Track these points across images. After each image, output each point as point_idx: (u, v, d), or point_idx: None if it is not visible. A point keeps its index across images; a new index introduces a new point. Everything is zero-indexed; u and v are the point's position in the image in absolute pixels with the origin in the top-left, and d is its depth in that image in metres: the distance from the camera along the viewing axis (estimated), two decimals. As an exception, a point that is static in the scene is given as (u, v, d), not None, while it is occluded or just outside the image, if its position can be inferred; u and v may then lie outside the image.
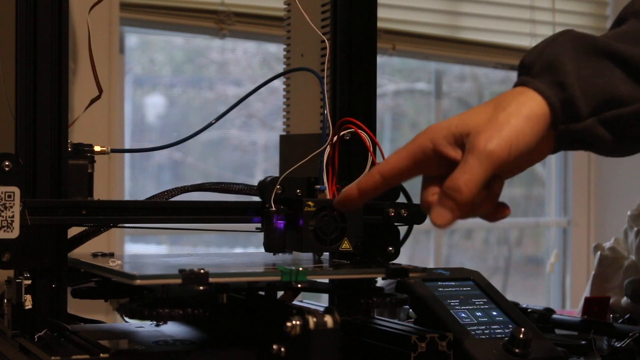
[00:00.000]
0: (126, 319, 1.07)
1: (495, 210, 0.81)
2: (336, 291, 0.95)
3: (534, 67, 0.80)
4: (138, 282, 0.76)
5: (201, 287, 0.76)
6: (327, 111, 0.95)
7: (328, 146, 0.95)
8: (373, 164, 0.96)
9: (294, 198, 0.93)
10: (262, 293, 0.89)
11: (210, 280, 0.76)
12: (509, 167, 0.79)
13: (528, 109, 0.78)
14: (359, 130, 0.95)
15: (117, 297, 0.95)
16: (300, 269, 0.81)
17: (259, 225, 0.95)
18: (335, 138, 0.95)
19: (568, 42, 0.81)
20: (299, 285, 0.83)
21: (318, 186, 0.95)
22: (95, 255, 0.97)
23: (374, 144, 0.97)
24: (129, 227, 0.97)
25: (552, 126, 0.79)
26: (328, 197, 0.94)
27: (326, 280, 0.97)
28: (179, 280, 0.76)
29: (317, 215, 0.92)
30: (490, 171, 0.76)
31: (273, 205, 0.92)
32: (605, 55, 0.79)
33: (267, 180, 0.94)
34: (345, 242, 0.93)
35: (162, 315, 0.78)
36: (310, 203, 0.91)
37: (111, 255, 0.98)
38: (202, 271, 0.76)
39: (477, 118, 0.78)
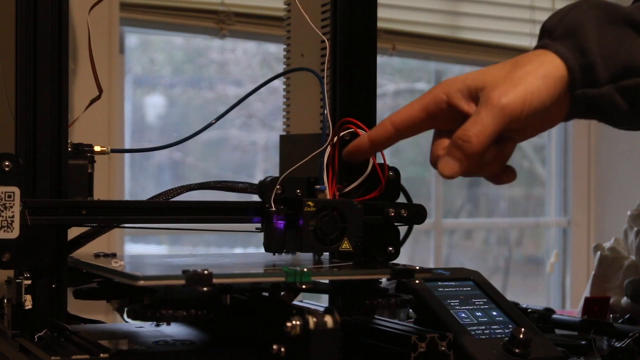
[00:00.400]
0: (126, 318, 1.07)
1: (501, 173, 0.81)
2: (340, 292, 0.94)
3: (555, 31, 0.80)
4: (141, 283, 0.75)
5: (205, 288, 0.75)
6: (327, 111, 0.95)
7: (328, 146, 0.95)
8: (373, 165, 0.96)
9: (294, 198, 0.93)
10: (266, 294, 0.89)
11: (214, 281, 0.76)
12: (521, 126, 0.78)
13: (545, 69, 0.78)
14: (359, 130, 0.95)
15: (119, 297, 0.94)
16: (305, 269, 0.81)
17: (259, 225, 0.95)
18: (335, 138, 0.95)
19: (591, 9, 0.80)
20: (304, 286, 0.82)
21: (318, 186, 0.95)
22: (97, 255, 0.97)
23: None
24: (128, 227, 0.97)
25: (569, 90, 0.79)
26: (328, 197, 0.94)
27: (326, 281, 0.97)
28: (182, 281, 0.75)
29: (317, 215, 0.92)
30: (502, 125, 0.76)
31: (273, 205, 0.92)
32: (627, 24, 0.79)
33: (267, 180, 0.94)
34: (345, 242, 0.93)
35: (165, 316, 0.78)
36: (310, 203, 0.91)
37: (113, 255, 0.98)
38: (205, 272, 0.75)
39: (494, 74, 0.78)
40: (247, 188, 1.01)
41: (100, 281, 0.95)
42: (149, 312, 0.78)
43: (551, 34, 0.81)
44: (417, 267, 0.86)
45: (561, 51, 0.79)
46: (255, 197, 0.97)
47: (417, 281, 0.90)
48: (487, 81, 0.78)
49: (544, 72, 0.78)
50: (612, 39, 0.79)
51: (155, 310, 0.78)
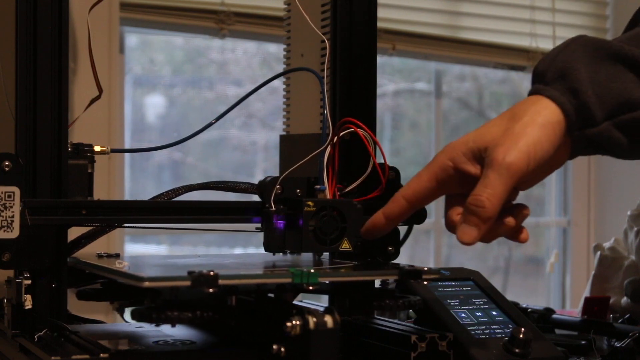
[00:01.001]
0: (126, 318, 1.07)
1: (516, 226, 0.82)
2: (347, 293, 0.93)
3: (547, 74, 0.81)
4: (146, 284, 0.74)
5: (211, 290, 0.75)
6: (327, 111, 0.95)
7: (328, 146, 0.95)
8: (374, 165, 0.96)
9: (293, 198, 0.93)
10: (271, 295, 0.87)
11: (220, 282, 0.75)
12: (529, 178, 0.79)
13: (543, 118, 0.78)
14: (359, 130, 0.95)
15: (123, 299, 0.94)
16: (312, 270, 0.80)
17: (259, 225, 0.95)
18: (335, 138, 0.95)
19: (580, 48, 0.81)
20: (311, 288, 0.81)
21: (318, 186, 0.95)
22: (100, 256, 0.96)
23: (374, 143, 0.97)
24: (128, 227, 0.97)
25: (568, 132, 0.79)
26: (328, 197, 0.94)
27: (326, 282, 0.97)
28: (188, 283, 0.74)
29: (317, 215, 0.92)
30: (511, 183, 0.77)
31: (273, 205, 0.92)
32: (618, 59, 0.80)
33: (266, 180, 0.94)
34: (345, 242, 0.93)
35: (171, 318, 0.76)
36: (310, 203, 0.91)
37: (117, 256, 0.97)
38: (211, 273, 0.75)
39: (494, 131, 0.79)
40: (248, 188, 1.01)
41: (103, 282, 0.94)
42: (154, 314, 0.77)
43: (543, 78, 0.81)
44: (425, 268, 0.85)
45: (555, 95, 0.79)
46: (256, 197, 0.97)
47: (425, 282, 0.90)
48: (488, 140, 0.78)
49: (542, 121, 0.78)
50: (605, 77, 0.79)
51: (160, 312, 0.77)
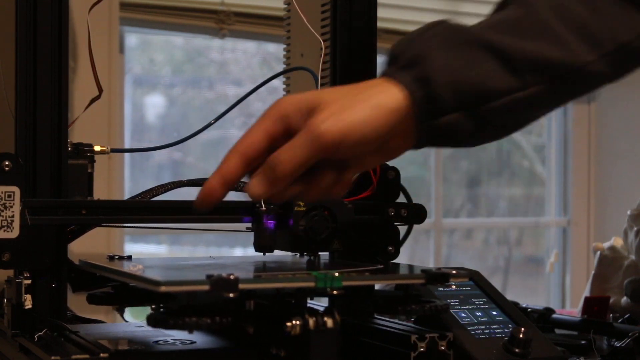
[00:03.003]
0: (126, 318, 1.07)
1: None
2: (371, 297, 0.91)
3: (400, 58, 0.76)
4: (163, 288, 0.70)
5: (231, 294, 0.71)
6: None
7: None
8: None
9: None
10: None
11: (240, 286, 0.71)
12: (350, 156, 0.74)
13: (380, 100, 0.74)
14: None
15: (136, 303, 0.90)
16: (336, 274, 0.76)
17: (250, 225, 0.94)
18: None
19: (440, 34, 0.77)
20: (335, 292, 0.76)
21: None
22: (111, 258, 0.94)
23: None
24: (118, 227, 0.96)
25: (415, 121, 0.75)
26: None
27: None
28: (206, 287, 0.70)
29: (307, 215, 0.91)
30: (316, 153, 0.72)
31: (263, 205, 0.92)
32: (479, 45, 0.76)
33: None
34: (336, 242, 0.93)
35: (189, 324, 0.73)
36: (300, 203, 0.91)
37: (129, 258, 0.95)
38: (231, 277, 0.71)
39: (331, 95, 0.74)
40: (238, 186, 1.00)
41: (115, 285, 0.90)
42: (171, 320, 0.73)
43: (396, 62, 0.77)
44: (454, 271, 0.81)
45: (404, 82, 0.75)
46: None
47: (453, 286, 0.87)
48: (320, 102, 0.74)
49: (376, 102, 0.74)
50: (462, 63, 0.75)
51: (177, 318, 0.73)
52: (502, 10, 0.80)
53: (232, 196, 1.03)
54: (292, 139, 0.73)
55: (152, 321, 0.75)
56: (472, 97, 0.75)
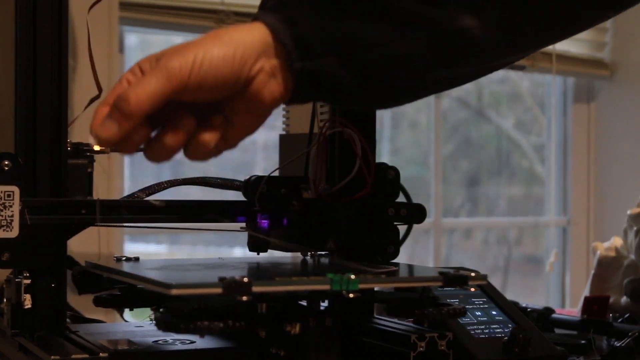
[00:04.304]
0: (126, 318, 1.07)
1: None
2: (387, 300, 0.89)
3: (269, 1, 0.74)
4: (174, 291, 0.69)
5: (244, 298, 0.69)
6: (317, 107, 0.94)
7: (315, 145, 0.94)
8: (359, 165, 0.95)
9: (278, 197, 0.92)
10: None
11: (254, 289, 0.70)
12: (208, 95, 0.71)
13: (238, 36, 0.71)
14: (345, 129, 0.94)
15: (144, 306, 0.88)
16: (352, 276, 0.74)
17: (244, 224, 0.93)
18: (321, 137, 0.94)
19: None
20: (351, 295, 0.74)
21: (303, 185, 0.94)
22: (119, 259, 0.93)
23: (367, 143, 0.96)
24: (113, 226, 0.95)
25: (286, 65, 0.72)
26: (314, 196, 0.93)
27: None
28: (219, 290, 0.69)
29: (302, 214, 0.91)
30: (167, 86, 0.69)
31: (257, 205, 0.92)
32: None
33: (251, 179, 0.93)
34: (331, 241, 0.92)
35: (200, 328, 0.71)
36: (294, 202, 0.90)
37: (136, 259, 0.93)
38: (245, 280, 0.69)
39: (190, 42, 0.72)
40: (229, 184, 1.00)
41: (122, 288, 0.88)
42: (182, 324, 0.71)
43: (265, 5, 0.74)
44: (473, 274, 0.79)
45: (270, 22, 0.72)
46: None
47: (472, 289, 0.85)
48: (176, 46, 0.72)
49: (233, 38, 0.70)
50: (336, 10, 0.72)
51: (189, 322, 0.71)
52: None
53: (231, 196, 1.03)
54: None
55: (162, 325, 0.73)
56: (344, 43, 0.72)
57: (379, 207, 0.99)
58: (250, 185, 0.92)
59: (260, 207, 0.91)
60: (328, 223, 0.92)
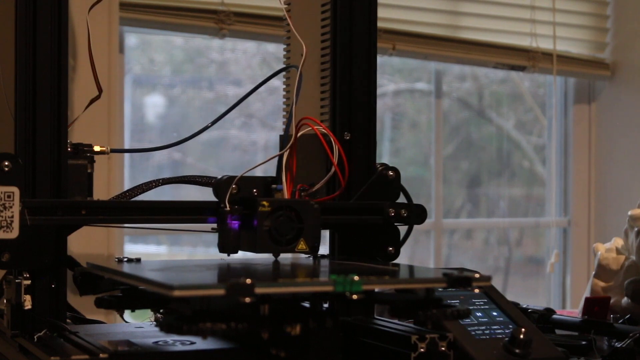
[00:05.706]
0: (126, 319, 1.07)
1: None
2: (389, 301, 0.89)
3: None
4: (176, 293, 0.69)
5: (247, 299, 0.69)
6: (293, 110, 0.94)
7: (287, 146, 0.94)
8: (331, 164, 0.95)
9: (249, 197, 0.92)
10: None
11: (256, 291, 0.70)
12: None
13: None
14: (316, 128, 0.93)
15: (146, 307, 0.88)
16: (356, 278, 0.74)
17: (215, 225, 0.92)
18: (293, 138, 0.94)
19: None
20: (354, 297, 0.74)
21: (275, 185, 0.94)
22: (120, 260, 0.93)
23: (334, 142, 0.96)
24: (110, 226, 0.96)
25: None
26: (285, 196, 0.93)
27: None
28: (222, 292, 0.69)
29: (272, 215, 0.90)
30: None
31: (227, 205, 0.91)
32: None
33: (222, 180, 0.92)
34: (302, 242, 0.92)
35: (203, 330, 0.71)
36: (264, 203, 0.90)
37: (138, 261, 0.93)
38: (248, 281, 0.69)
39: None
40: (202, 181, 0.99)
41: (124, 289, 0.88)
42: (185, 326, 0.71)
43: None
44: (476, 275, 0.79)
45: None
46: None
47: (476, 290, 0.85)
48: None
49: None
50: None
51: (192, 324, 0.71)
52: None
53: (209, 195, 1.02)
54: None
55: (164, 327, 0.73)
56: None
57: (379, 208, 0.98)
58: (221, 185, 0.91)
59: (229, 208, 0.90)
60: (298, 223, 0.91)
